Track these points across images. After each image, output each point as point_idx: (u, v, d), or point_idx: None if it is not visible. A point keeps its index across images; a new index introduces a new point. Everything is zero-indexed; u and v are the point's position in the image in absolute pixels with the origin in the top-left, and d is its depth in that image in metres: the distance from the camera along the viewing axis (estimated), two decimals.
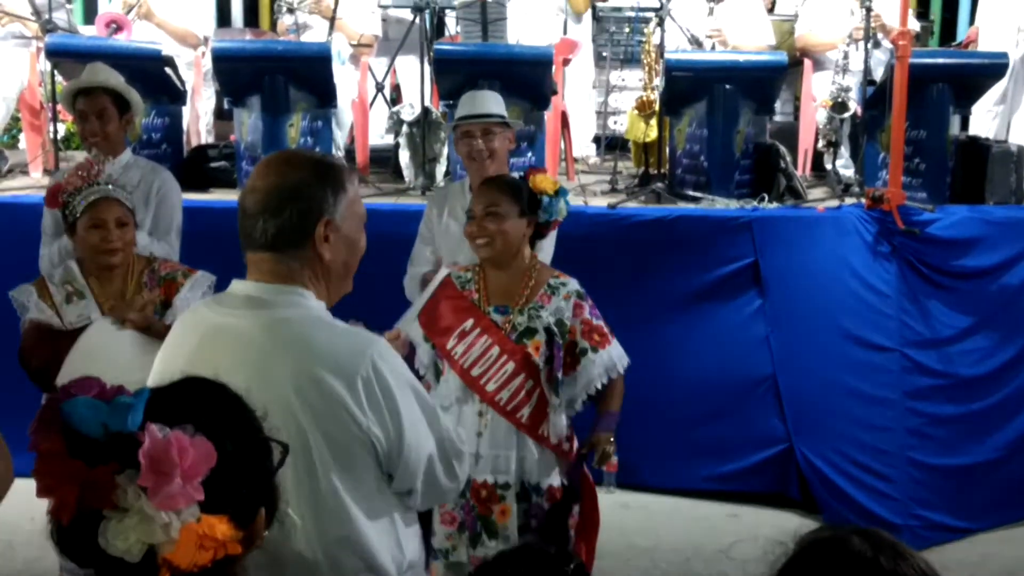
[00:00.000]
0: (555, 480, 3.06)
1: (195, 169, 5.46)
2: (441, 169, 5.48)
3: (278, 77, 5.07)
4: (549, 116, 5.41)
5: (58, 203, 3.24)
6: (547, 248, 3.59)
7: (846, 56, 5.50)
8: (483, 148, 3.70)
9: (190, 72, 6.10)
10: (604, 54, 6.83)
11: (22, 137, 6.58)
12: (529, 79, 5.15)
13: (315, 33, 6.12)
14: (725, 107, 5.11)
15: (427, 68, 5.49)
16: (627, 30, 6.97)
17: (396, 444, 1.89)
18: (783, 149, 5.38)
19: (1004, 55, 5.40)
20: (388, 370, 1.88)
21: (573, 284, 3.14)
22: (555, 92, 5.39)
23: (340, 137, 5.98)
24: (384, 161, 5.96)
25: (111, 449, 1.19)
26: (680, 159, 5.30)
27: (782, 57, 5.29)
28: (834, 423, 4.67)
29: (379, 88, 6.43)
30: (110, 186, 3.22)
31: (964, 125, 6.02)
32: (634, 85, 6.42)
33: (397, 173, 5.66)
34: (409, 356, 3.05)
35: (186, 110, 5.75)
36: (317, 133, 5.18)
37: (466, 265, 3.28)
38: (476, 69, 5.05)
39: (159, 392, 1.28)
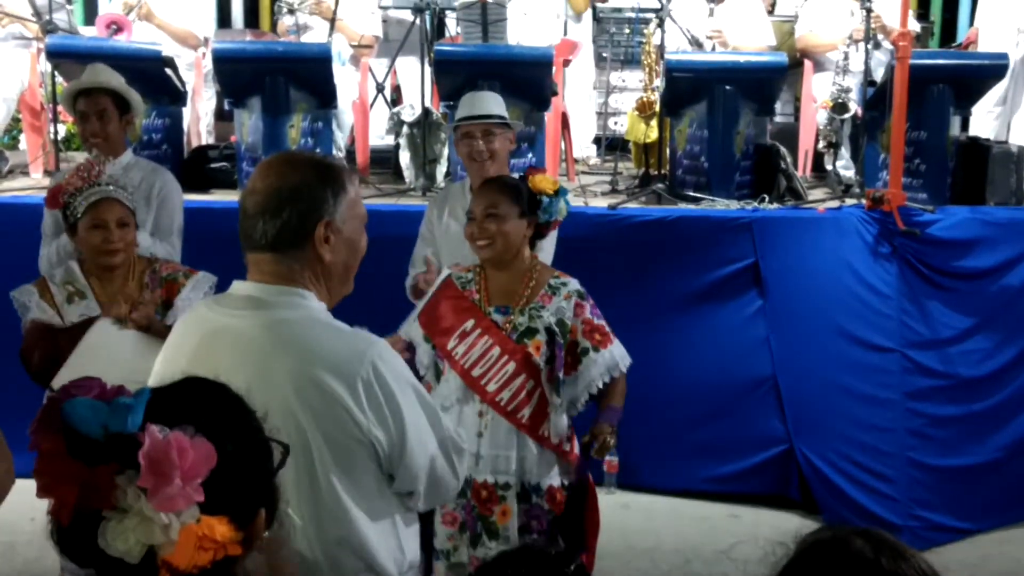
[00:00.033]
0: (555, 480, 3.06)
1: (195, 170, 5.47)
2: (442, 170, 5.48)
3: (279, 78, 5.07)
4: (549, 117, 5.42)
5: (59, 204, 3.24)
6: (548, 248, 3.59)
7: (846, 57, 5.51)
8: (484, 149, 3.70)
9: (190, 73, 6.10)
10: (604, 55, 6.84)
11: (22, 138, 6.58)
12: (529, 80, 5.15)
13: (315, 34, 6.12)
14: (725, 108, 5.11)
15: (427, 69, 5.50)
16: (627, 31, 6.99)
17: (398, 445, 1.89)
18: (783, 150, 5.38)
19: (1004, 56, 5.40)
20: (388, 371, 1.88)
21: (574, 284, 3.14)
22: (555, 93, 5.40)
23: (341, 138, 5.99)
24: (384, 162, 5.97)
25: (111, 450, 1.19)
26: (680, 160, 5.30)
27: (782, 58, 5.28)
28: (834, 424, 4.67)
29: (379, 89, 6.43)
30: (111, 187, 3.22)
31: (964, 126, 6.02)
32: (634, 86, 6.43)
33: (397, 174, 5.66)
34: (410, 359, 3.06)
35: (186, 111, 5.75)
36: (318, 134, 5.18)
37: (467, 266, 3.28)
38: (476, 70, 5.05)
39: (159, 392, 1.28)
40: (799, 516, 4.59)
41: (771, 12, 7.11)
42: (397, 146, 5.59)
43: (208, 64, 6.00)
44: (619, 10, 7.17)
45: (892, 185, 4.70)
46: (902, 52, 4.58)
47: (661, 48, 5.69)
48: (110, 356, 2.97)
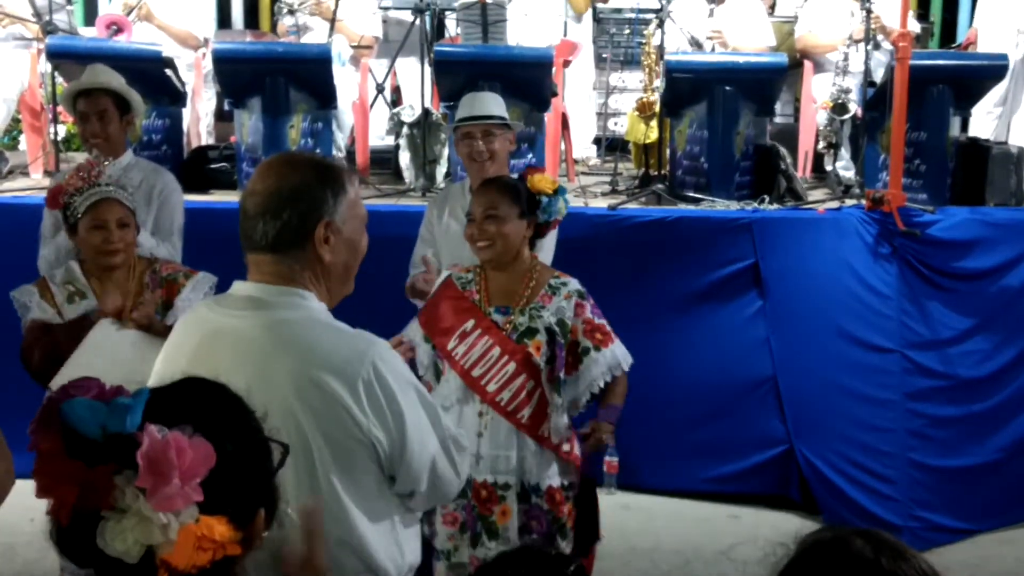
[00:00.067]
0: (554, 481, 3.06)
1: (195, 170, 5.47)
2: (441, 170, 5.48)
3: (279, 79, 5.07)
4: (549, 118, 5.42)
5: (59, 204, 3.24)
6: (548, 248, 3.59)
7: (846, 58, 5.51)
8: (483, 149, 3.70)
9: (190, 74, 6.10)
10: (604, 56, 6.83)
11: (22, 138, 6.58)
12: (529, 80, 5.15)
13: (315, 35, 6.12)
14: (725, 109, 5.11)
15: (427, 70, 5.50)
16: (627, 32, 6.98)
17: (399, 446, 1.89)
18: (783, 151, 5.38)
19: (1004, 56, 5.40)
20: (389, 371, 1.88)
21: (574, 284, 3.14)
22: (555, 94, 5.40)
23: (340, 138, 5.99)
24: (384, 162, 5.97)
25: (110, 450, 1.19)
26: (680, 160, 5.30)
27: (782, 59, 5.29)
28: (834, 424, 4.67)
29: (379, 89, 6.43)
30: (111, 187, 3.22)
31: (964, 126, 6.02)
32: (634, 87, 6.43)
33: (397, 174, 5.66)
34: (411, 360, 3.06)
35: (186, 111, 5.75)
36: (317, 135, 5.18)
37: (467, 266, 3.28)
38: (476, 70, 5.05)
39: (159, 393, 1.28)
40: (799, 517, 4.59)
41: (771, 13, 7.12)
42: (397, 147, 5.59)
43: (208, 65, 6.00)
44: (619, 11, 7.17)
45: (892, 186, 4.70)
46: (902, 53, 4.58)
47: (661, 49, 5.69)
48: (110, 356, 2.97)
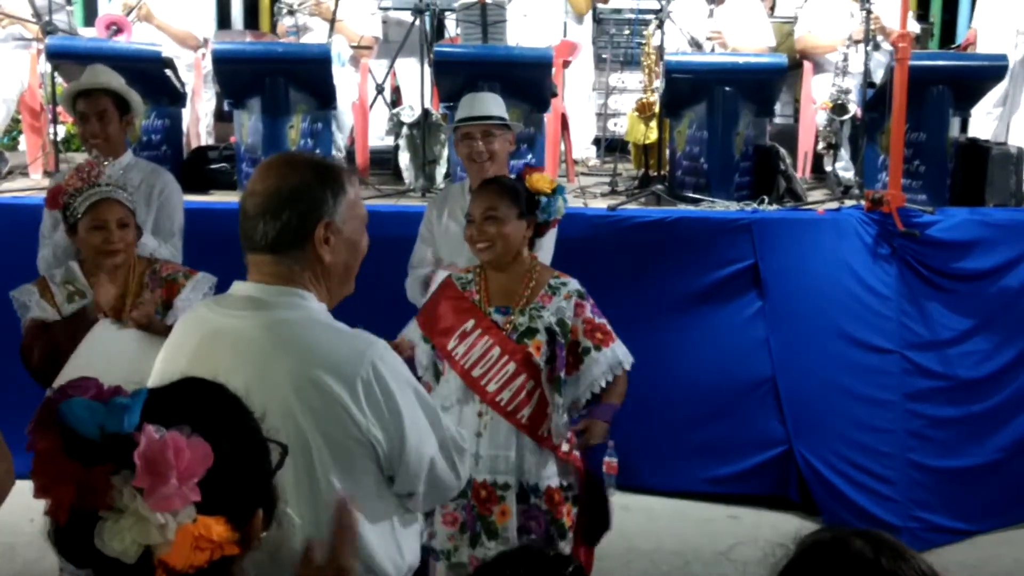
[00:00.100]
0: (553, 481, 3.06)
1: (195, 171, 5.47)
2: (441, 171, 5.48)
3: (278, 79, 5.07)
4: (549, 118, 5.42)
5: (59, 204, 3.24)
6: (547, 249, 3.59)
7: (846, 58, 5.51)
8: (483, 150, 3.71)
9: (190, 74, 6.10)
10: (604, 56, 6.84)
11: (22, 139, 6.59)
12: (529, 81, 5.15)
13: (315, 35, 6.12)
14: (725, 109, 5.11)
15: (427, 70, 5.50)
16: (627, 32, 6.99)
17: (397, 446, 1.89)
18: (783, 151, 5.38)
19: (1004, 57, 5.40)
20: (388, 372, 1.88)
21: (574, 284, 3.14)
22: (555, 94, 5.40)
23: (340, 139, 5.99)
24: (384, 163, 5.97)
25: (107, 450, 1.19)
26: (680, 161, 5.30)
27: (782, 59, 5.29)
28: (834, 425, 4.67)
29: (379, 90, 6.43)
30: (111, 187, 3.22)
31: (964, 127, 6.02)
32: (634, 87, 6.43)
33: (397, 175, 5.66)
34: (410, 360, 3.06)
35: (186, 112, 5.75)
36: (317, 135, 5.18)
37: (467, 266, 3.28)
38: (476, 71, 5.05)
39: (157, 393, 1.28)
40: (799, 517, 4.59)
41: (771, 13, 7.12)
42: (397, 147, 5.59)
43: (208, 65, 6.00)
44: (619, 11, 7.17)
45: (891, 186, 4.70)
46: (901, 53, 4.58)
47: (661, 49, 5.69)
48: (110, 356, 2.97)
